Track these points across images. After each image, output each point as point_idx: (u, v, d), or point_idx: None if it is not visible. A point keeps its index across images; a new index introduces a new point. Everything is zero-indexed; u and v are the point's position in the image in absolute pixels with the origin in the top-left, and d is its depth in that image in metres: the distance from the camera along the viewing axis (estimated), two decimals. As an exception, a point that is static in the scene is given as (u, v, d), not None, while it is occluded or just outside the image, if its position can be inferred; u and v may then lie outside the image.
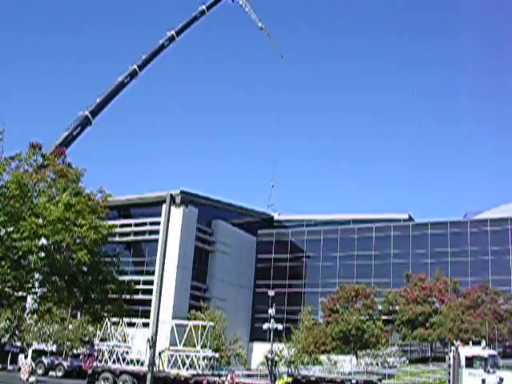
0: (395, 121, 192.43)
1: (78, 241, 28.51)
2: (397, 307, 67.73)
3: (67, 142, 75.47)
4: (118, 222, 64.48)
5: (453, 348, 30.17)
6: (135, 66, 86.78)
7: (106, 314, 34.83)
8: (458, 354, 28.74)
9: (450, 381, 29.22)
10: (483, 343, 30.66)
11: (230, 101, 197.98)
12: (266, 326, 59.39)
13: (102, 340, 42.59)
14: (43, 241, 27.75)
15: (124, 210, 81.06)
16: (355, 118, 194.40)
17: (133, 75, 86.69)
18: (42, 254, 28.17)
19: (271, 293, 64.25)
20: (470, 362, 28.48)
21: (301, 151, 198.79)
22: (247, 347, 79.77)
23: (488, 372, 27.82)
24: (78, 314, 43.52)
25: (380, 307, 68.98)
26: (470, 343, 36.10)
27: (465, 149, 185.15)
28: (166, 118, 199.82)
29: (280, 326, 60.15)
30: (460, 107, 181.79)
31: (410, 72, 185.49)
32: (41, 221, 26.93)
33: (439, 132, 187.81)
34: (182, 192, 73.83)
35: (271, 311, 58.62)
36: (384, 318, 67.90)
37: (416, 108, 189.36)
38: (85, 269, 30.71)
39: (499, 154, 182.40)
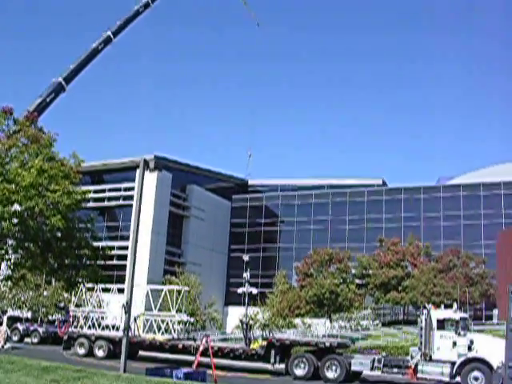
0: (370, 87, 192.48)
1: (51, 206, 28.16)
2: (370, 271, 68.46)
3: (40, 108, 74.38)
4: (91, 188, 64.10)
5: (425, 311, 30.53)
6: (109, 33, 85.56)
7: (80, 280, 34.70)
8: (430, 317, 29.12)
9: (421, 343, 29.65)
10: (455, 306, 31.05)
11: (207, 69, 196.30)
12: (240, 290, 59.79)
13: (77, 306, 42.48)
14: (16, 207, 27.42)
15: (98, 176, 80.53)
16: (328, 84, 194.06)
17: (107, 41, 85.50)
18: (15, 221, 27.83)
19: (246, 257, 64.62)
20: (442, 324, 28.88)
21: (276, 118, 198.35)
22: (222, 311, 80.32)
23: (459, 334, 28.25)
24: (53, 280, 43.30)
25: (354, 271, 69.59)
26: (442, 306, 36.61)
27: (438, 114, 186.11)
28: (142, 84, 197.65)
29: (254, 290, 60.59)
30: (433, 70, 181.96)
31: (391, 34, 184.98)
32: (13, 187, 26.55)
33: (413, 97, 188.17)
34: (156, 157, 73.41)
35: (246, 275, 58.96)
36: (357, 281, 68.56)
37: (390, 72, 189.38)
38: (59, 235, 30.46)
39: (473, 120, 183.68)
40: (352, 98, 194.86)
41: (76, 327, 40.41)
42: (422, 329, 29.86)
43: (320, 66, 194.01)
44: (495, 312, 62.99)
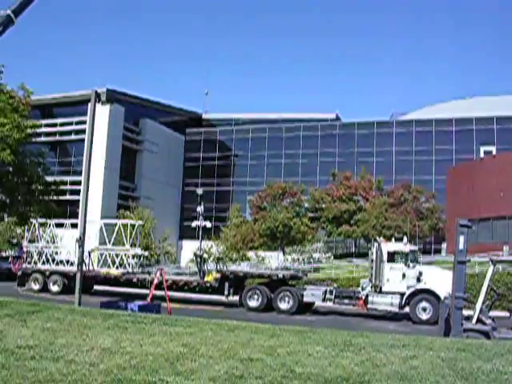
0: (327, 17, 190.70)
1: (0, 141, 27.64)
2: (323, 205, 69.01)
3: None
4: (42, 122, 62.86)
5: (376, 244, 31.21)
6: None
7: (33, 215, 34.42)
8: (381, 250, 29.75)
9: (372, 275, 30.39)
10: (405, 239, 31.72)
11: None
12: (194, 223, 60.07)
13: (30, 241, 42.20)
14: (-36, 141, 26.89)
15: (49, 110, 78.66)
16: (281, 14, 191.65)
17: None
18: (-37, 155, 27.35)
19: (199, 191, 64.54)
20: (392, 256, 29.56)
21: (231, 51, 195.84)
22: (176, 245, 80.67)
23: (408, 266, 29.00)
24: (5, 215, 42.85)
25: (306, 205, 70.16)
26: (393, 239, 37.42)
27: (392, 49, 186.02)
28: (94, 17, 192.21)
29: (209, 224, 60.94)
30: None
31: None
32: (-40, 120, 25.98)
33: (366, 28, 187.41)
34: (108, 90, 71.93)
35: (200, 209, 59.13)
36: (310, 215, 69.17)
37: (351, 6, 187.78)
38: (9, 169, 30.05)
39: (428, 56, 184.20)
40: (309, 27, 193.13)
41: (30, 263, 40.27)
42: (372, 261, 30.58)
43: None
44: (444, 245, 64.54)
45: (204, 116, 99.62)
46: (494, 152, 70.70)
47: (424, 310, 28.11)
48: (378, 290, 29.49)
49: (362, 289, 30.85)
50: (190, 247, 68.99)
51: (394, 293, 28.97)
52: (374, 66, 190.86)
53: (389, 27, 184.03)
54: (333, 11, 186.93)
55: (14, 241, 57.12)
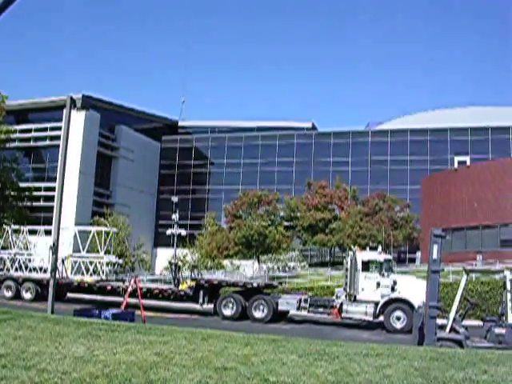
0: (304, 23, 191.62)
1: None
2: (298, 214, 69.19)
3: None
4: (17, 128, 62.45)
5: (350, 253, 31.28)
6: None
7: (6, 221, 34.14)
8: (355, 259, 29.82)
9: (346, 283, 30.45)
10: (379, 248, 31.88)
11: (136, 5, 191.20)
12: (169, 231, 59.85)
13: (3, 248, 41.76)
14: None
15: (23, 115, 78.08)
16: (257, 20, 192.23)
17: None
18: None
19: (175, 199, 64.42)
20: (367, 266, 29.65)
21: (209, 58, 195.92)
22: (151, 253, 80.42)
23: (383, 275, 29.11)
24: (-23, 221, 42.51)
25: (282, 213, 70.28)
26: (367, 248, 37.59)
27: (367, 59, 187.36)
28: (68, 22, 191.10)
29: (184, 232, 60.81)
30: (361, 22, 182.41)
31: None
32: None
33: (345, 38, 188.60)
34: (83, 96, 71.68)
35: (175, 217, 58.95)
36: (286, 224, 69.21)
37: (329, 17, 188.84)
38: (-18, 175, 29.80)
39: (405, 65, 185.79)
40: (285, 38, 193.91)
41: (2, 270, 39.85)
42: (347, 270, 30.63)
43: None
44: (418, 254, 64.99)
45: (180, 123, 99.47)
46: (468, 162, 71.49)
47: (398, 318, 28.22)
48: (353, 298, 29.55)
49: (337, 297, 30.91)
50: (164, 255, 68.76)
51: (368, 302, 29.05)
52: (350, 74, 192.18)
53: (365, 34, 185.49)
54: (310, 17, 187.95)
55: (-14, 247, 56.50)
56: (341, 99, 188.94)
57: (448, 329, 17.87)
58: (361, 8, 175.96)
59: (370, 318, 29.15)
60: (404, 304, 28.34)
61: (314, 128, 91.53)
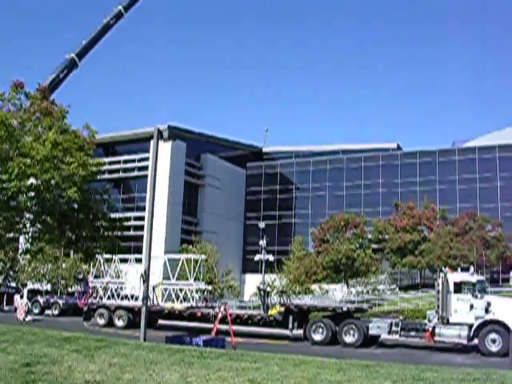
0: (387, 45, 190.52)
1: (67, 179, 28.25)
2: (386, 236, 68.41)
3: (54, 85, 74.76)
4: (106, 160, 64.25)
5: (441, 274, 30.56)
6: (120, 7, 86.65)
7: (98, 251, 34.95)
8: (447, 280, 29.12)
9: (438, 306, 29.74)
10: (471, 269, 31.05)
11: (217, 32, 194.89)
12: (257, 257, 60.20)
13: (95, 277, 42.82)
14: (32, 180, 27.53)
15: (112, 148, 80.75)
16: (347, 41, 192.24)
17: (118, 16, 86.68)
18: (32, 194, 28.03)
19: (261, 225, 64.78)
20: (459, 287, 28.90)
21: (290, 82, 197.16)
22: (240, 279, 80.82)
23: (476, 297, 28.30)
24: (71, 252, 43.69)
25: (370, 236, 69.56)
26: (459, 269, 36.69)
27: (453, 74, 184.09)
28: (153, 55, 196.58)
29: (271, 257, 60.97)
30: (446, 28, 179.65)
31: None
32: (28, 160, 26.62)
33: (427, 59, 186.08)
34: (169, 127, 73.32)
35: (262, 243, 59.23)
36: (374, 246, 68.52)
37: (404, 31, 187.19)
38: (75, 206, 30.65)
39: (487, 82, 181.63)
40: (367, 65, 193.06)
41: (95, 298, 40.82)
42: (438, 292, 29.91)
43: (335, 25, 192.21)
44: (512, 274, 62.98)
45: (264, 149, 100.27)
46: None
47: (493, 341, 27.27)
48: (446, 321, 28.79)
49: (429, 321, 30.17)
50: (253, 281, 69.05)
51: (461, 324, 28.24)
52: (435, 95, 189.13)
53: (451, 55, 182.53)
54: (396, 43, 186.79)
55: (80, 276, 58.18)
56: (425, 119, 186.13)
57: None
58: (446, 17, 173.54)
59: (464, 341, 28.27)
60: (499, 326, 27.39)
61: (399, 148, 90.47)
